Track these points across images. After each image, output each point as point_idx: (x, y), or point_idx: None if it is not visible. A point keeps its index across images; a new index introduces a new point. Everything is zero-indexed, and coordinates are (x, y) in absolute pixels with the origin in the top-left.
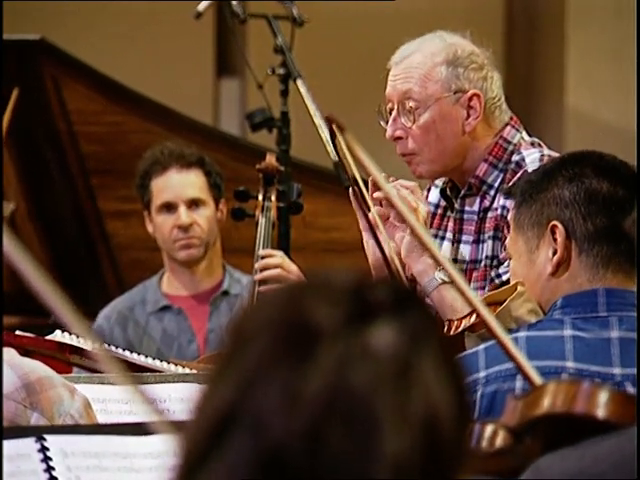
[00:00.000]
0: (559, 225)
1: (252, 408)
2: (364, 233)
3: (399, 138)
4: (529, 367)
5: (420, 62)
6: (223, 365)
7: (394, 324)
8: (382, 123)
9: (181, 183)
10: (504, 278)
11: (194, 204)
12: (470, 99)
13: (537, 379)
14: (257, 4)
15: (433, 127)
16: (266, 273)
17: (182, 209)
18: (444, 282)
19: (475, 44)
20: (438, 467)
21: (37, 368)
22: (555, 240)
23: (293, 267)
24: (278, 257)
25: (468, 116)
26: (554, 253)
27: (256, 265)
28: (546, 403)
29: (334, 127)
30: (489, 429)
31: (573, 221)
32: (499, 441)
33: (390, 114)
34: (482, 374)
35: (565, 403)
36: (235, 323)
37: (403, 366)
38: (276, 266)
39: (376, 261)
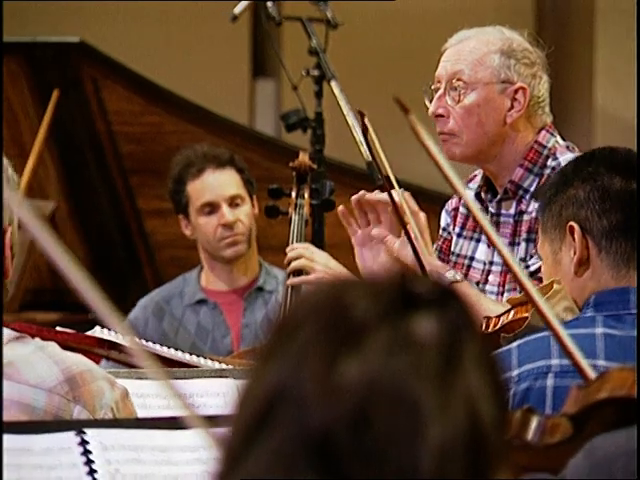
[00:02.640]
0: (575, 225)
1: (296, 393)
2: (357, 248)
3: (441, 116)
4: (583, 361)
5: (475, 47)
6: (269, 353)
7: (437, 315)
8: (427, 102)
9: (219, 182)
10: (532, 269)
11: (234, 201)
12: (516, 91)
13: (590, 372)
14: (292, 7)
15: (476, 110)
16: (291, 265)
17: (225, 208)
18: (456, 281)
19: (532, 45)
20: (480, 458)
21: (79, 362)
22: (574, 240)
23: (317, 255)
24: (299, 249)
25: (511, 107)
26: (574, 253)
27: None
28: (608, 388)
29: (365, 122)
30: (551, 421)
31: (589, 220)
32: (561, 432)
33: (436, 93)
34: (515, 372)
35: (626, 387)
36: (282, 314)
37: (446, 355)
38: (298, 257)
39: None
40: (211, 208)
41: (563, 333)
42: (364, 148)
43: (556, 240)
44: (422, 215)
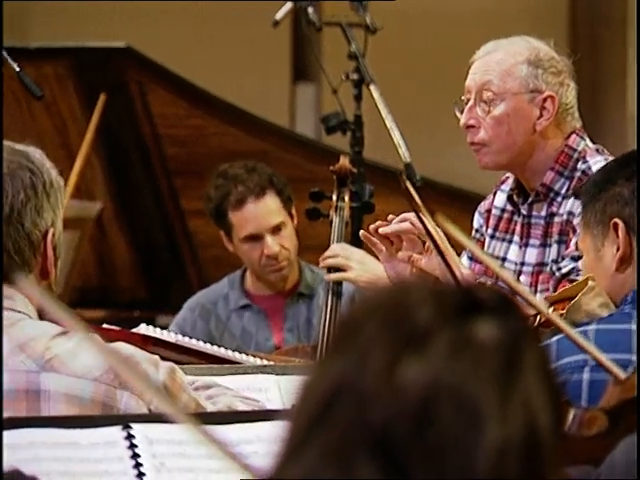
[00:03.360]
0: (620, 222)
1: (357, 389)
2: (385, 264)
3: (472, 127)
4: (605, 358)
5: (502, 58)
6: (331, 350)
7: (498, 321)
8: (457, 113)
9: (261, 214)
10: (563, 271)
11: (277, 229)
12: (545, 100)
13: (616, 370)
14: (332, 12)
15: (506, 120)
16: (327, 262)
17: (268, 239)
18: None
19: (558, 54)
20: (535, 462)
21: (121, 349)
22: (617, 237)
23: (354, 253)
24: (335, 248)
25: (540, 116)
26: (617, 249)
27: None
28: None
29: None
30: (588, 414)
31: (633, 217)
32: (597, 425)
33: (467, 104)
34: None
35: None
36: (345, 312)
37: (506, 360)
38: (334, 255)
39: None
40: (254, 238)
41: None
42: (402, 151)
43: (598, 236)
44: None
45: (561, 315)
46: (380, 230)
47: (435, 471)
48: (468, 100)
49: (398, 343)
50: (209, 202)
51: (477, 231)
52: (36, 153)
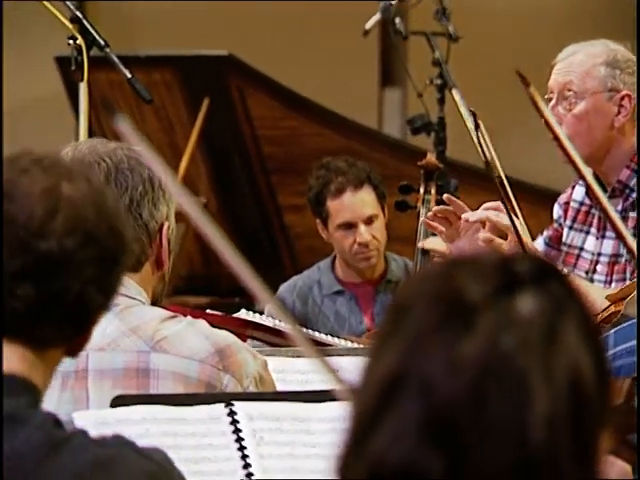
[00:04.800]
0: None
1: (417, 372)
2: (448, 245)
3: None
4: None
5: (582, 60)
6: (386, 334)
7: (539, 293)
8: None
9: (357, 204)
10: None
11: (370, 220)
12: (622, 98)
13: None
14: (417, 22)
15: (586, 117)
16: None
17: (362, 228)
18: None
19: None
20: (584, 426)
21: (226, 336)
22: None
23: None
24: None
25: (618, 113)
26: None
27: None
28: None
29: (477, 120)
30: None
31: None
32: None
33: (549, 104)
34: (611, 352)
35: None
36: (396, 297)
37: (549, 331)
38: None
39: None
40: (348, 226)
41: None
42: (481, 148)
43: None
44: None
45: (619, 311)
46: (470, 218)
47: (491, 448)
48: (550, 99)
49: (450, 324)
50: (309, 191)
51: (556, 221)
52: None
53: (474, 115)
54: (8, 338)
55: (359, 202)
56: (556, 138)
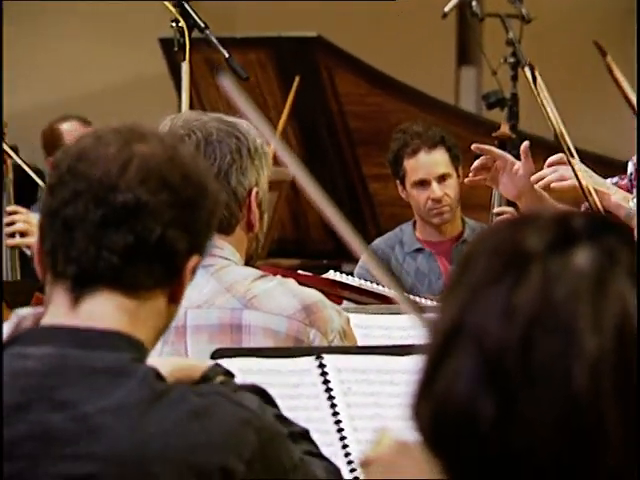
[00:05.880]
0: None
1: (473, 321)
2: (493, 186)
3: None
4: None
5: None
6: (451, 286)
7: (593, 247)
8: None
9: (431, 162)
10: None
11: (442, 178)
12: None
13: None
14: (492, 5)
15: None
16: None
17: (434, 185)
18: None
19: None
20: (629, 374)
21: (313, 294)
22: None
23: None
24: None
25: None
26: None
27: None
28: None
29: (535, 73)
30: None
31: None
32: None
33: None
34: None
35: None
36: (463, 252)
37: (599, 281)
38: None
39: (524, 186)
40: (422, 184)
41: None
42: (552, 123)
43: None
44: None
45: None
46: (535, 184)
47: (539, 395)
48: None
49: (504, 278)
50: (390, 153)
51: (627, 178)
52: (243, 124)
53: (532, 68)
54: (105, 290)
55: (432, 161)
56: (632, 107)
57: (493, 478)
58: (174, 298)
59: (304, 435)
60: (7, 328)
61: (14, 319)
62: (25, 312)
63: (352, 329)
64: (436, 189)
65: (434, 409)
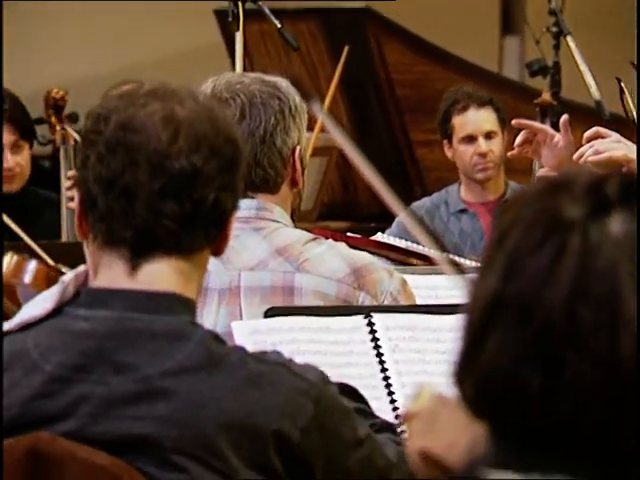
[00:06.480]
0: None
1: (515, 292)
2: (535, 157)
3: None
4: None
5: None
6: (490, 255)
7: (627, 212)
8: None
9: (479, 119)
10: None
11: (489, 135)
12: None
13: None
14: None
15: None
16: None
17: (481, 140)
18: None
19: None
20: None
21: (363, 257)
22: None
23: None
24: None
25: None
26: None
27: None
28: None
29: (622, 85)
30: None
31: None
32: None
33: None
34: None
35: None
36: (498, 219)
37: (633, 247)
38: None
39: (563, 157)
40: (470, 139)
41: None
42: (593, 90)
43: None
44: None
45: None
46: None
47: (583, 364)
48: None
49: (543, 246)
50: (439, 113)
51: None
52: (283, 82)
53: (619, 81)
54: (163, 255)
55: (480, 118)
56: None
57: (538, 442)
58: (218, 252)
59: (388, 427)
60: (54, 293)
61: (60, 285)
62: (68, 278)
63: (409, 288)
64: (482, 144)
65: (479, 382)
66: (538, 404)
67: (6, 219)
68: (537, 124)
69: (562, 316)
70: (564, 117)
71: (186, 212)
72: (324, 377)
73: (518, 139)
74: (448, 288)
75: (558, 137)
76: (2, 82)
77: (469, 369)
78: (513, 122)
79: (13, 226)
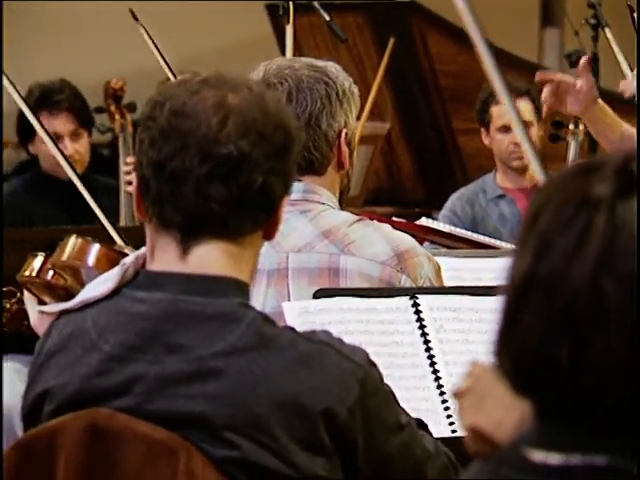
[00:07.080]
0: None
1: (544, 271)
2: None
3: None
4: None
5: None
6: (523, 237)
7: None
8: None
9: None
10: None
11: (525, 125)
12: None
13: None
14: None
15: None
16: None
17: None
18: None
19: None
20: None
21: (406, 240)
22: None
23: None
24: None
25: None
26: None
27: None
28: None
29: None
30: None
31: None
32: None
33: None
34: None
35: None
36: (532, 202)
37: None
38: None
39: (587, 101)
40: (506, 129)
41: None
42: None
43: None
44: None
45: None
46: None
47: (608, 339)
48: None
49: (572, 226)
50: (478, 102)
51: None
52: (332, 68)
53: (631, 10)
54: (212, 238)
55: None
56: None
57: (572, 415)
58: (269, 236)
59: (421, 425)
60: (115, 274)
61: (121, 267)
62: (129, 260)
63: (441, 276)
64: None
65: (514, 356)
66: (567, 381)
67: (87, 199)
68: (558, 74)
69: (587, 291)
70: (583, 59)
71: (233, 196)
72: (370, 360)
73: (544, 94)
74: (490, 270)
75: (580, 83)
76: (2, 82)
77: (506, 343)
78: (537, 76)
79: (92, 204)
